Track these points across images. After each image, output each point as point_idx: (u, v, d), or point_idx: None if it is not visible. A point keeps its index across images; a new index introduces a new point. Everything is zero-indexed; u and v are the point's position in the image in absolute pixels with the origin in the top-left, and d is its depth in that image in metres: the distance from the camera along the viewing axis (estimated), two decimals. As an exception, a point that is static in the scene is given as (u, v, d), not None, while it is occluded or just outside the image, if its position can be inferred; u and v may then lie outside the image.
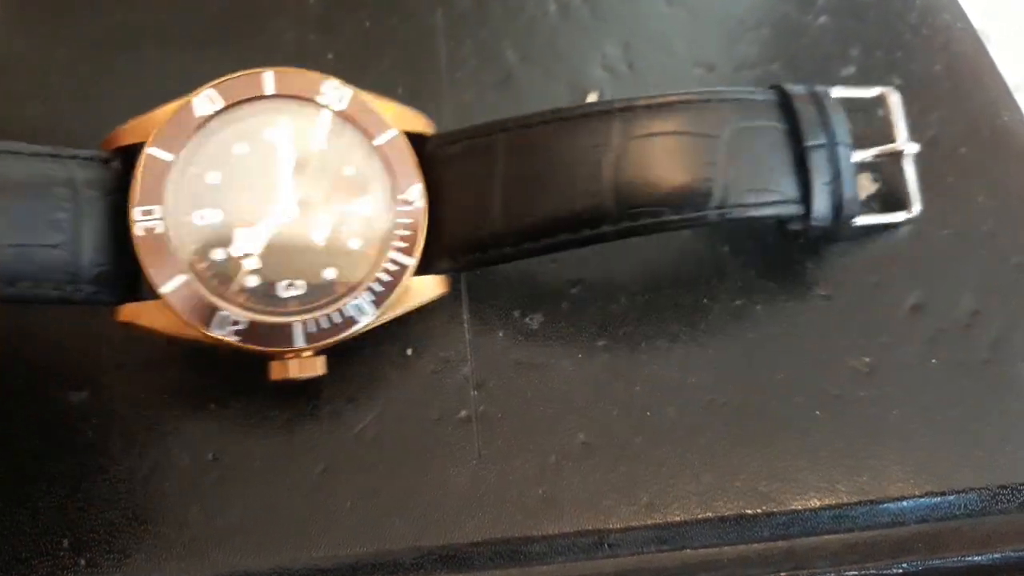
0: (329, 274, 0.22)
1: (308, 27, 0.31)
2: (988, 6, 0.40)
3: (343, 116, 0.22)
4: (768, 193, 0.23)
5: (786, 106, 0.24)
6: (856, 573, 0.21)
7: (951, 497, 0.22)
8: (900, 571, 0.21)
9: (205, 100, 0.22)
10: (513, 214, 0.22)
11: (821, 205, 0.24)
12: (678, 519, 0.21)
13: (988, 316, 0.25)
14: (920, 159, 0.28)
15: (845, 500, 0.22)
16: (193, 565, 0.20)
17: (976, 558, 0.22)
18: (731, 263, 0.26)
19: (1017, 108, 0.29)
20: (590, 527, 0.21)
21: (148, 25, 0.32)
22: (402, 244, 0.22)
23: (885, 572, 0.21)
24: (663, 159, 0.23)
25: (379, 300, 0.21)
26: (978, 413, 0.23)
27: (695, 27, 0.32)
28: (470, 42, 0.31)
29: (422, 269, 0.22)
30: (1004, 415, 0.23)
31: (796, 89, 0.24)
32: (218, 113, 0.22)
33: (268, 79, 0.22)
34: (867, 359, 0.24)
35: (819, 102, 0.24)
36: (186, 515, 0.21)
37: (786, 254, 0.26)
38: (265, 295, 0.21)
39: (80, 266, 0.21)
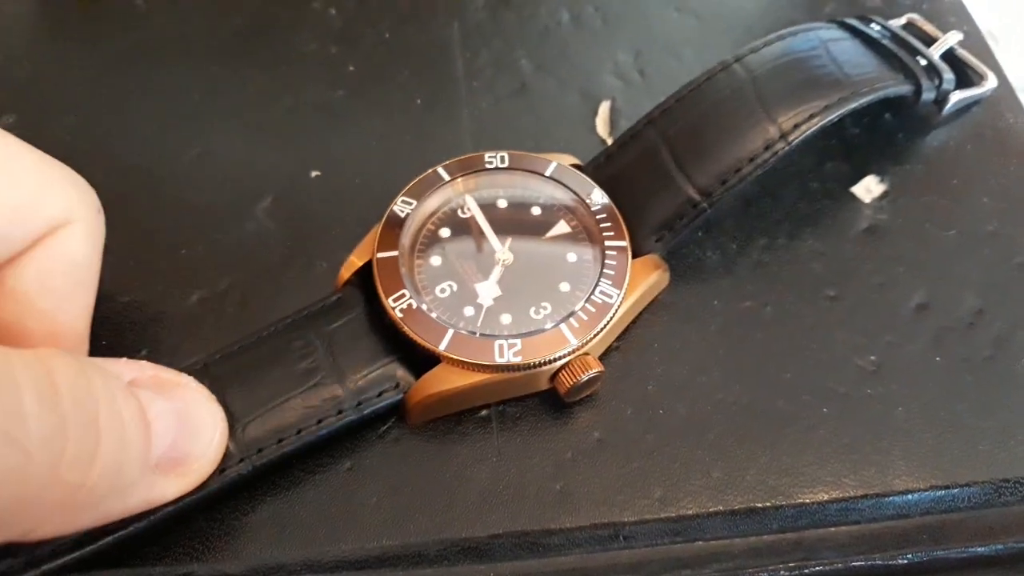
0: (565, 287, 0.24)
1: (330, 39, 0.32)
2: (993, 7, 0.40)
3: (510, 170, 0.26)
4: (880, 80, 0.26)
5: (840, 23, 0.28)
6: (862, 563, 0.22)
7: (955, 490, 0.22)
8: (905, 562, 0.22)
9: (402, 205, 0.25)
10: (693, 171, 0.24)
11: (921, 76, 0.27)
12: (690, 512, 0.22)
13: (991, 315, 0.25)
14: (925, 160, 0.28)
15: (851, 493, 0.22)
16: (228, 557, 0.21)
17: (979, 549, 0.22)
18: (738, 265, 0.26)
19: (1021, 109, 0.30)
20: (605, 520, 0.22)
21: (175, 38, 0.32)
22: (610, 232, 0.24)
23: (890, 563, 0.22)
24: (787, 77, 0.25)
25: (616, 281, 0.23)
26: (981, 409, 0.23)
27: (704, 34, 0.32)
28: (486, 52, 0.32)
29: (634, 254, 0.24)
30: (1006, 411, 0.23)
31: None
32: (413, 211, 0.25)
33: (441, 171, 0.26)
34: (873, 357, 0.24)
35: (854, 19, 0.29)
36: (222, 510, 0.22)
37: (794, 256, 0.26)
38: (521, 324, 0.23)
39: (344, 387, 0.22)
